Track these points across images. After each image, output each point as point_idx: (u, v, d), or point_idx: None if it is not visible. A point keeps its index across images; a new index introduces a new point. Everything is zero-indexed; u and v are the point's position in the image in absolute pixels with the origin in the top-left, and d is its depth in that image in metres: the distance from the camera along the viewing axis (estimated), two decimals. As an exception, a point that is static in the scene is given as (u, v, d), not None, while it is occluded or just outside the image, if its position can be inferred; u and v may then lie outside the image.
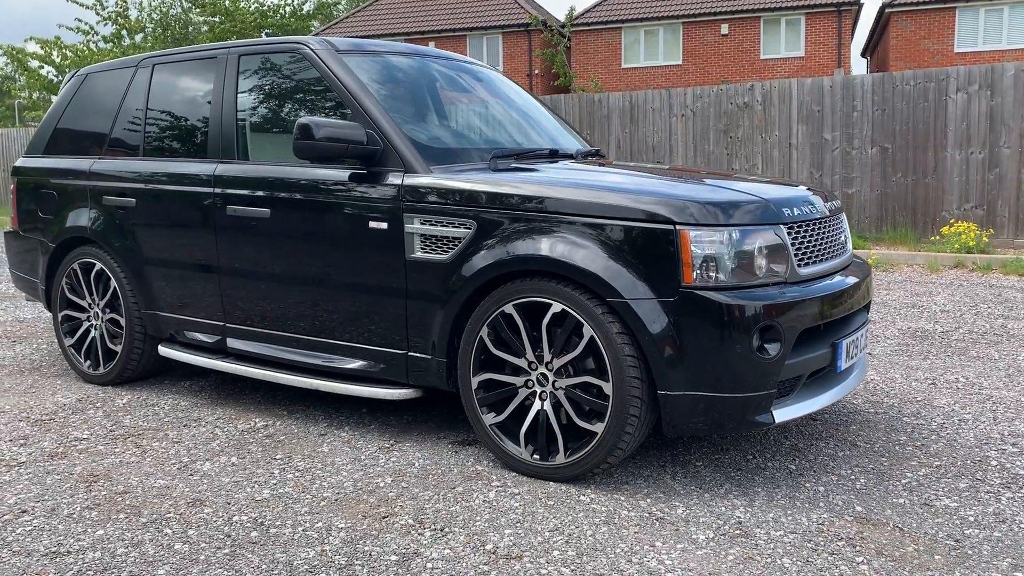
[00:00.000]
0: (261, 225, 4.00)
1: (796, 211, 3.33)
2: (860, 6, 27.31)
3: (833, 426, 3.97)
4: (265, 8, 36.29)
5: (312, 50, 3.99)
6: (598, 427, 3.17)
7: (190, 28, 27.54)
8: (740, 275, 3.06)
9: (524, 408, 3.40)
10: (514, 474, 3.39)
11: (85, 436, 3.94)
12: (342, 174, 3.77)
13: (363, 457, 3.62)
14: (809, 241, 3.36)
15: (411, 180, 3.57)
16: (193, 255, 4.31)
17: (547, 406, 3.30)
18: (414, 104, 4.15)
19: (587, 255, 3.13)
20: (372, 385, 3.79)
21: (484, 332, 3.40)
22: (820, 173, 10.70)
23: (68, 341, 4.97)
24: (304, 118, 3.58)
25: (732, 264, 3.05)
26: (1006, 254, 9.43)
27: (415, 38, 30.48)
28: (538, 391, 3.33)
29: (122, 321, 4.67)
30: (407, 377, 3.70)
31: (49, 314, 7.13)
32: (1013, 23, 25.96)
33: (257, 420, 4.15)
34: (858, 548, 2.76)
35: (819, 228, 3.46)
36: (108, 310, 4.78)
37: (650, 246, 3.06)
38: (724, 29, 27.96)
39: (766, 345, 3.04)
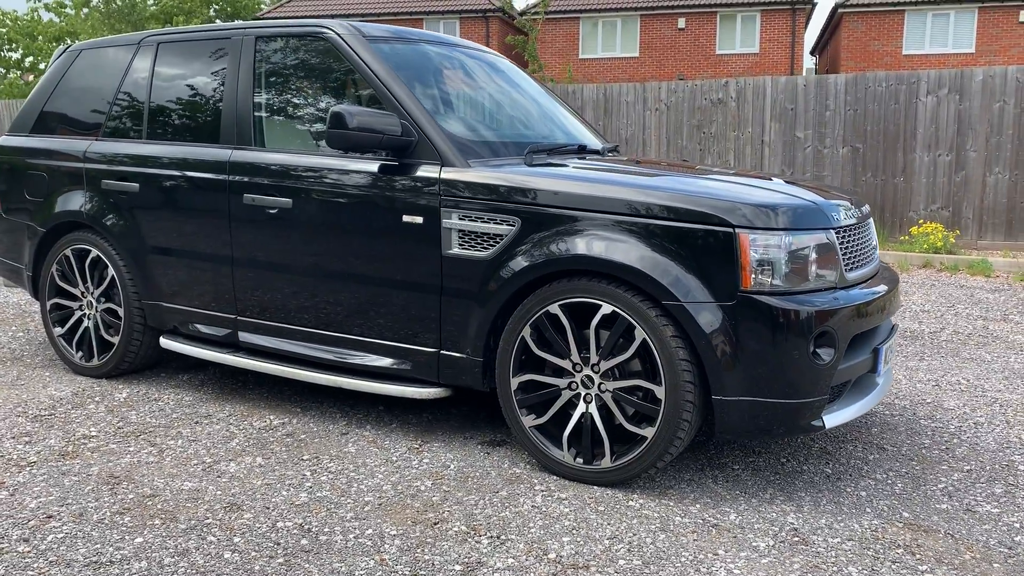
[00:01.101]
0: (281, 215, 3.85)
1: (842, 215, 3.32)
2: (814, 5, 27.76)
3: (855, 429, 4.00)
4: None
5: (338, 35, 3.84)
6: (648, 431, 3.12)
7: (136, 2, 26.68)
8: (794, 280, 3.04)
9: (564, 410, 3.34)
10: (555, 478, 3.32)
11: (93, 433, 3.75)
12: (371, 165, 3.64)
13: (394, 458, 3.51)
14: (852, 246, 3.36)
15: (449, 174, 3.46)
16: (203, 244, 4.12)
17: (592, 409, 3.24)
18: (444, 95, 4.03)
19: (642, 256, 3.06)
20: (399, 383, 3.68)
21: (527, 332, 3.32)
22: (792, 171, 10.82)
23: (57, 331, 4.73)
24: (338, 106, 3.45)
25: (787, 268, 3.02)
26: (970, 255, 9.67)
27: (370, 20, 29.97)
28: (582, 393, 3.27)
29: (120, 311, 4.46)
30: (438, 376, 3.60)
31: (28, 299, 6.86)
32: (958, 28, 26.68)
33: (272, 418, 4.00)
34: (918, 556, 2.77)
35: (858, 233, 3.46)
36: (103, 299, 4.56)
37: (707, 249, 3.01)
38: (681, 23, 28.15)
39: (820, 351, 3.03)
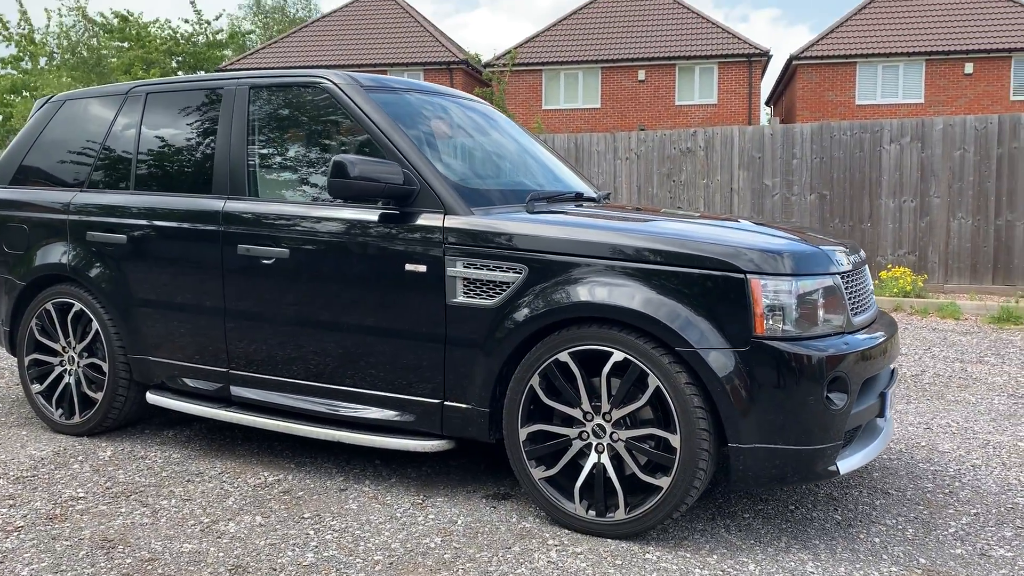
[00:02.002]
0: (278, 265, 3.77)
1: (844, 260, 3.35)
2: (769, 57, 28.54)
3: (857, 473, 3.98)
4: (177, 35, 35.48)
5: (335, 84, 3.82)
6: (663, 481, 3.07)
7: (102, 52, 26.55)
8: (804, 325, 3.04)
9: (574, 460, 3.28)
10: (567, 531, 3.24)
11: (81, 495, 3.60)
12: (371, 214, 3.60)
13: (399, 514, 3.41)
14: (855, 291, 3.38)
15: (453, 222, 3.43)
16: (194, 296, 4.03)
17: (604, 459, 3.19)
18: (441, 143, 4.02)
19: (655, 303, 3.05)
20: (401, 436, 3.59)
21: (535, 381, 3.27)
22: (761, 218, 10.99)
23: (36, 388, 4.56)
24: (340, 156, 3.42)
25: (797, 314, 3.03)
26: (938, 298, 9.85)
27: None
28: (593, 443, 3.21)
29: (104, 366, 4.32)
30: (441, 428, 3.53)
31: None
32: (908, 79, 27.59)
33: (266, 474, 3.88)
34: (943, 603, 2.74)
35: (857, 278, 3.49)
36: (86, 354, 4.41)
37: (720, 295, 3.01)
38: (641, 75, 28.72)
39: (833, 396, 3.02)
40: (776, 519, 3.43)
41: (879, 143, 10.56)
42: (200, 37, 35.64)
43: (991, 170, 10.14)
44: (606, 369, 3.15)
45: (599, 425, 3.20)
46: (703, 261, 3.04)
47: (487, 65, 27.86)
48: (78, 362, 4.44)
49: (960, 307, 9.30)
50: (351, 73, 3.93)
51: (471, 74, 29.82)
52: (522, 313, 3.27)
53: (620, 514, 3.15)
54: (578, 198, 4.11)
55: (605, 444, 3.19)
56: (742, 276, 2.99)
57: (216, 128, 4.09)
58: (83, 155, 4.53)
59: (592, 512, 3.20)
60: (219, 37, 35.35)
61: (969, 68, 27.00)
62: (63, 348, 4.48)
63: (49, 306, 4.48)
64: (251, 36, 39.25)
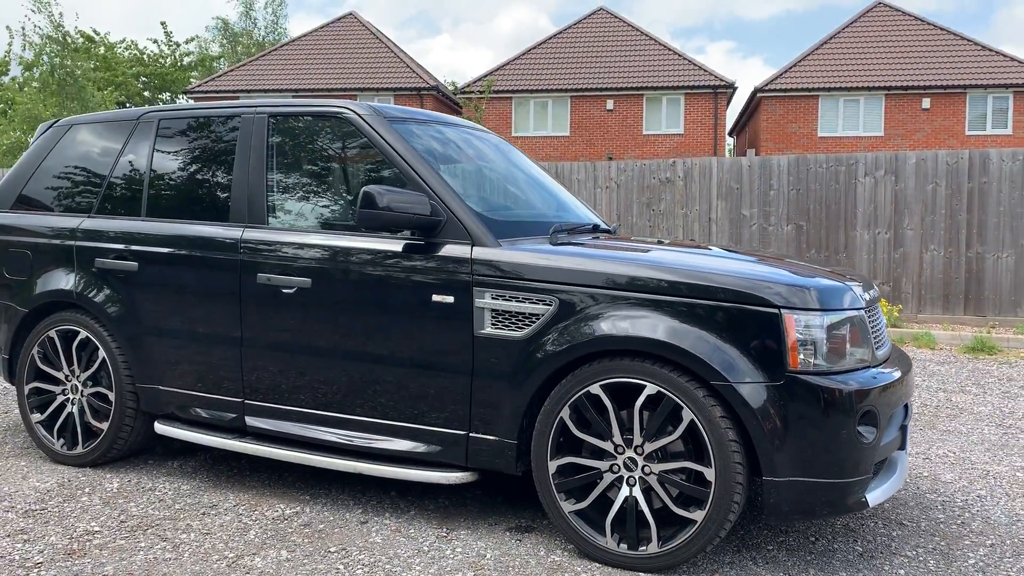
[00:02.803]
0: (299, 295, 3.75)
1: (866, 295, 3.42)
2: (735, 89, 29.08)
3: (869, 504, 4.03)
4: (143, 58, 35.16)
5: (359, 115, 3.83)
6: (697, 514, 3.09)
7: (78, 74, 26.15)
8: (833, 359, 3.10)
9: (592, 489, 3.28)
10: (597, 565, 3.24)
11: (96, 529, 3.51)
12: (395, 244, 3.60)
13: (425, 548, 3.38)
14: (873, 326, 3.45)
15: (482, 254, 3.45)
16: (209, 325, 3.98)
17: (637, 492, 3.20)
18: (464, 175, 4.04)
19: (690, 337, 3.08)
20: (424, 468, 3.57)
21: (565, 413, 3.28)
22: (739, 247, 11.14)
23: (36, 417, 4.45)
24: (369, 187, 3.42)
25: (827, 348, 3.08)
26: (912, 328, 10.06)
27: (303, 94, 30.08)
28: (625, 476, 3.23)
29: (110, 395, 4.24)
30: (466, 459, 3.52)
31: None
32: (868, 113, 28.30)
33: (281, 506, 3.82)
34: (978, 635, 2.78)
35: (873, 313, 3.56)
36: (90, 383, 4.33)
37: (754, 330, 3.05)
38: (609, 105, 29.07)
39: (863, 429, 3.08)
40: (799, 551, 3.46)
41: (854, 176, 10.80)
42: (167, 59, 35.34)
43: (962, 203, 10.42)
44: (639, 402, 3.17)
45: (630, 458, 3.22)
46: (738, 296, 3.09)
47: (460, 92, 27.99)
48: (82, 391, 4.35)
49: (935, 337, 9.51)
50: (374, 104, 3.94)
51: (442, 100, 29.94)
52: (553, 345, 3.28)
53: (653, 547, 3.16)
54: (595, 230, 4.15)
55: (637, 477, 3.20)
56: (776, 311, 3.04)
57: (233, 156, 4.07)
58: (91, 181, 4.47)
59: (624, 545, 3.21)
60: (187, 60, 35.07)
61: (927, 103, 27.79)
62: (66, 376, 4.39)
63: (52, 333, 4.39)
64: (220, 60, 39.01)
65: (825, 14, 77.49)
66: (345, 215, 3.86)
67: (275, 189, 3.98)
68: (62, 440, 4.39)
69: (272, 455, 3.82)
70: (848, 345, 3.15)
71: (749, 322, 3.06)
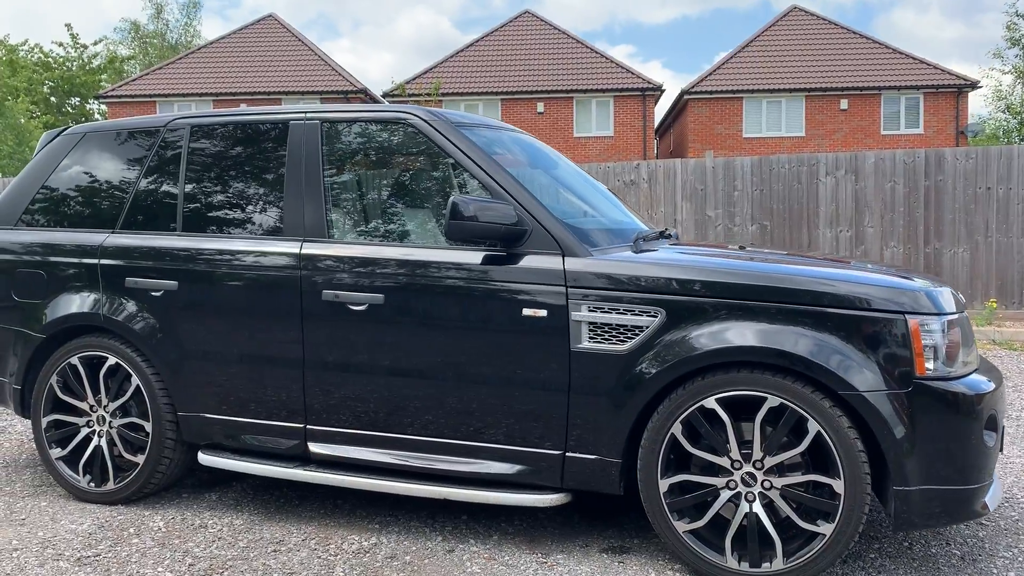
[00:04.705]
0: (370, 312, 3.51)
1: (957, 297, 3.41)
2: (662, 92, 29.52)
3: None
4: (49, 60, 33.45)
5: (424, 121, 3.62)
6: (825, 528, 3.00)
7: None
8: (950, 364, 3.06)
9: (707, 507, 3.17)
10: (716, 584, 3.13)
11: (164, 574, 3.21)
12: (474, 256, 3.41)
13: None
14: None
15: (577, 264, 3.29)
16: (265, 346, 3.70)
17: (758, 508, 3.09)
18: (538, 182, 3.87)
19: (815, 346, 2.99)
20: (512, 491, 3.40)
21: (677, 429, 3.16)
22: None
23: (56, 452, 4.07)
24: (457, 197, 3.24)
25: (945, 353, 3.04)
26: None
27: (224, 99, 29.16)
28: (743, 492, 3.12)
29: (147, 426, 3.91)
30: (561, 480, 3.35)
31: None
32: (790, 114, 29.13)
33: (355, 538, 3.58)
34: (1122, 636, 2.78)
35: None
36: (120, 413, 3.98)
37: (880, 337, 2.99)
38: (540, 107, 29.12)
39: (987, 434, 3.05)
40: (900, 557, 3.42)
41: (816, 176, 11.02)
42: (73, 63, 33.77)
43: (919, 201, 10.74)
44: (760, 415, 3.06)
45: (748, 473, 3.11)
46: (862, 302, 3.02)
47: (388, 95, 27.58)
48: (110, 422, 3.99)
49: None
50: (434, 110, 3.73)
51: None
52: (661, 358, 3.15)
53: (778, 563, 3.06)
54: (661, 236, 4.03)
55: (756, 492, 3.10)
56: (902, 317, 2.99)
57: (281, 166, 3.80)
58: (113, 194, 4.12)
59: (745, 564, 3.10)
60: (96, 63, 33.56)
61: (844, 104, 28.77)
62: (91, 407, 4.03)
63: (75, 360, 4.02)
64: (131, 62, 37.48)
65: (719, 17, 79.87)
66: (415, 226, 3.65)
67: (333, 200, 3.74)
68: (88, 476, 4.03)
69: (347, 484, 3.57)
70: (960, 350, 3.12)
71: (876, 329, 2.99)
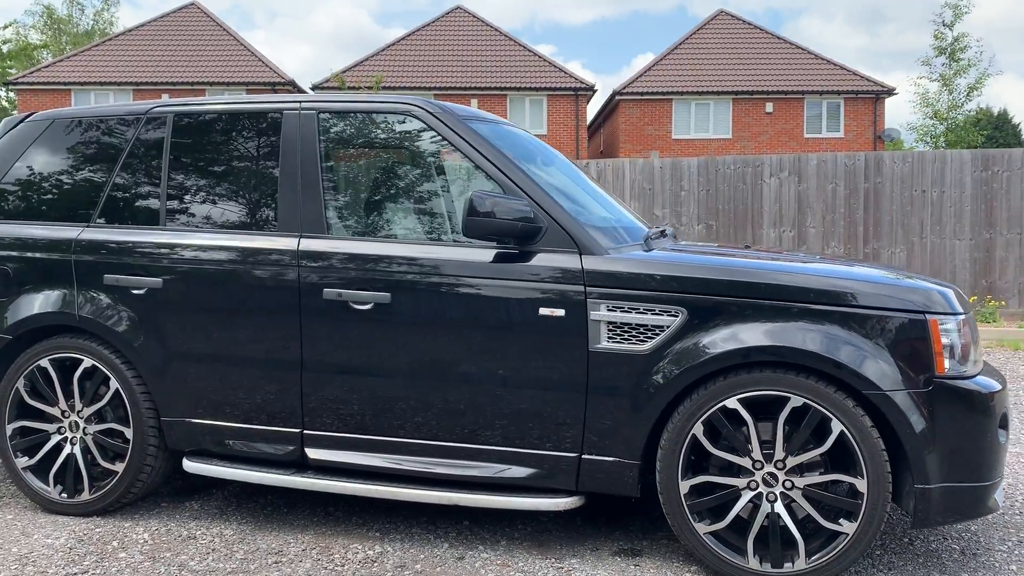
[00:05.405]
0: (375, 312, 3.38)
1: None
2: (594, 91, 29.74)
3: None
4: (-46, 45, 31.61)
5: (430, 113, 3.50)
6: (848, 527, 3.01)
7: None
8: (965, 363, 3.10)
9: (728, 508, 3.15)
10: (737, 585, 3.10)
11: (164, 591, 3.02)
12: (485, 255, 3.31)
13: (549, 582, 3.13)
14: (967, 329, 3.50)
15: (595, 263, 3.22)
16: (259, 347, 3.52)
17: (779, 508, 3.08)
18: (548, 179, 3.77)
19: (838, 346, 3.00)
20: (522, 495, 3.31)
21: (698, 430, 3.12)
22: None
23: (23, 461, 3.80)
24: (475, 192, 3.15)
25: (960, 352, 3.09)
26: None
27: (145, 89, 28.14)
28: (764, 492, 3.10)
29: (127, 432, 3.68)
30: (576, 483, 3.29)
31: None
32: (717, 116, 29.70)
33: (357, 547, 3.44)
34: None
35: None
36: (96, 419, 3.74)
37: (902, 336, 3.01)
38: (474, 104, 28.97)
39: (1001, 431, 3.10)
40: (904, 553, 3.46)
41: (760, 177, 11.22)
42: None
43: (859, 202, 11.05)
44: (783, 415, 3.05)
45: (770, 473, 3.10)
46: (886, 301, 3.04)
47: (319, 87, 27.04)
48: (84, 428, 3.75)
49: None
50: (439, 102, 3.61)
51: (299, 97, 28.81)
52: (683, 358, 3.11)
53: (801, 563, 3.05)
54: (662, 235, 3.99)
55: (778, 492, 3.09)
56: (923, 316, 3.01)
57: (273, 158, 3.62)
58: (86, 185, 3.87)
59: (767, 564, 3.09)
60: (5, 48, 31.93)
61: (769, 107, 29.47)
62: (63, 412, 3.78)
63: (44, 363, 3.76)
64: (43, 50, 35.80)
65: (636, 20, 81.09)
66: (424, 222, 3.53)
67: (332, 194, 3.58)
68: (60, 487, 3.77)
69: (350, 491, 3.42)
70: (972, 349, 3.17)
71: (898, 329, 3.01)
